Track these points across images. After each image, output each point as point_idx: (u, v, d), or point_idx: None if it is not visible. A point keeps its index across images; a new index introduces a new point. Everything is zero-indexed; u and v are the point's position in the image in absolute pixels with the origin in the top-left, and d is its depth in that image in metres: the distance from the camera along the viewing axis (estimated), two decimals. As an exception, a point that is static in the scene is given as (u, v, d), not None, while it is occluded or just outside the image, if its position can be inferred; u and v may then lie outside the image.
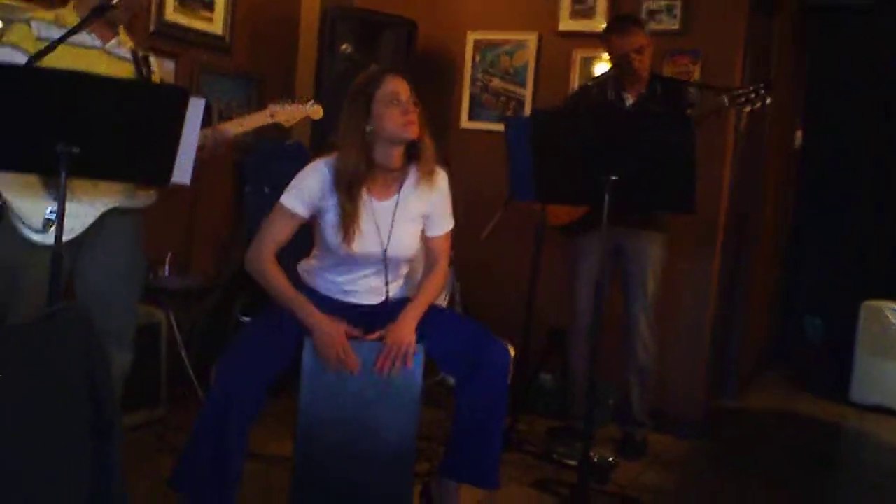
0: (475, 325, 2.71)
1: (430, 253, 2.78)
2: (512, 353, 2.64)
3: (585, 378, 3.53)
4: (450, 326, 2.68)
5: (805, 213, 6.39)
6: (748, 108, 3.40)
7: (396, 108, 2.52)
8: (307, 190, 2.56)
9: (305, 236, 2.72)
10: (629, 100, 3.61)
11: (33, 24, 2.52)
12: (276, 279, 2.56)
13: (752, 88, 3.35)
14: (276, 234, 2.59)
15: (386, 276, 2.67)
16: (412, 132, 2.53)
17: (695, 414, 4.20)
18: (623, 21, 3.64)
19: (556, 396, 4.10)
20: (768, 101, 3.35)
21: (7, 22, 2.93)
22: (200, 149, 2.61)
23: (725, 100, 3.36)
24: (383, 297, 2.70)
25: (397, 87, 2.54)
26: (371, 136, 2.54)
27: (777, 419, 4.87)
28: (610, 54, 3.63)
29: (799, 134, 6.15)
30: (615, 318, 3.68)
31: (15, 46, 2.48)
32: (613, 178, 2.77)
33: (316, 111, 2.91)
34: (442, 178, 2.70)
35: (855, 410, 5.02)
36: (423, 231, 2.74)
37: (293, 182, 2.60)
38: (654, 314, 3.67)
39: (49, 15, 2.59)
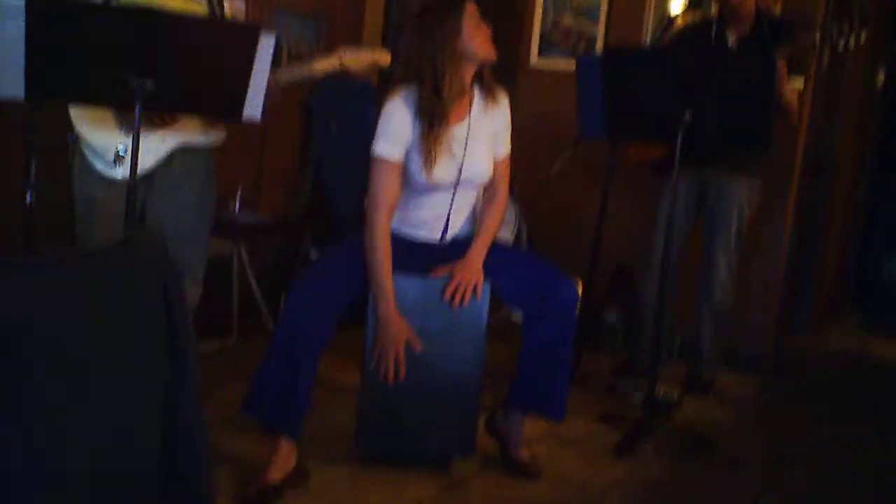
0: (542, 261, 2.71)
1: (490, 179, 2.74)
2: (580, 288, 2.63)
3: (654, 315, 3.51)
4: (517, 264, 2.68)
5: (885, 154, 6.19)
6: (840, 47, 3.24)
7: (483, 31, 2.52)
8: (396, 132, 2.54)
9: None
10: (732, 40, 3.49)
11: None
12: (381, 257, 2.52)
13: (843, 25, 3.20)
14: (386, 191, 2.55)
15: (452, 202, 2.66)
16: (494, 53, 2.54)
17: (765, 351, 4.16)
18: None
19: (622, 334, 4.10)
20: (863, 36, 3.19)
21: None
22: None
23: (817, 36, 3.22)
24: (443, 228, 2.69)
25: (476, 11, 2.54)
26: (451, 59, 2.50)
27: (849, 359, 4.78)
28: None
29: (881, 74, 5.91)
30: (693, 257, 3.64)
31: None
32: (686, 117, 2.72)
33: (384, 58, 2.90)
34: (504, 97, 2.70)
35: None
36: None
37: (379, 129, 2.56)
38: (736, 258, 3.60)
39: None
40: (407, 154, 2.57)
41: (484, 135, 2.65)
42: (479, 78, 2.62)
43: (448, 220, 2.69)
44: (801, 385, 4.13)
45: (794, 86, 3.34)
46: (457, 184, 2.62)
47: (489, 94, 2.64)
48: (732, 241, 3.57)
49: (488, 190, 2.76)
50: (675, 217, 3.00)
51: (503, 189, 2.76)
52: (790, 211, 4.16)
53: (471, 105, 2.63)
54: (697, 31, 3.62)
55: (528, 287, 2.60)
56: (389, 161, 2.54)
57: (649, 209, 3.66)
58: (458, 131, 2.60)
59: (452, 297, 2.55)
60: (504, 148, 2.74)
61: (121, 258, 1.49)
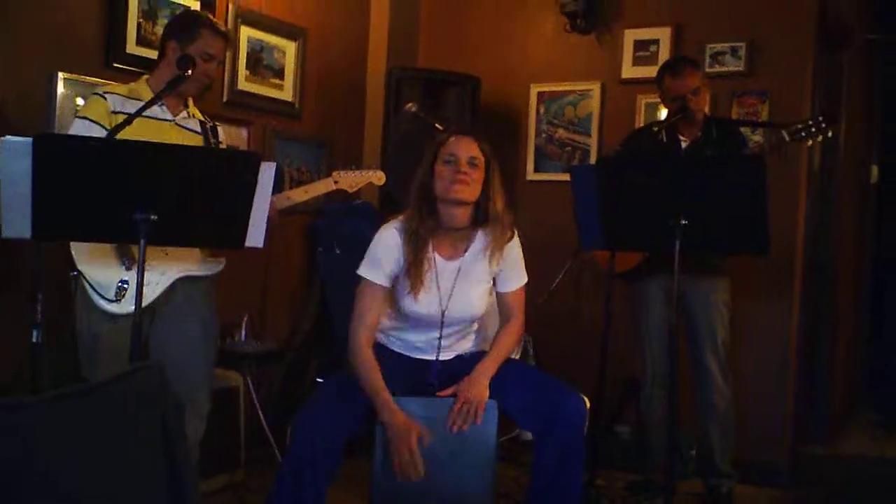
0: (549, 377, 2.69)
1: (504, 308, 2.77)
2: (587, 404, 2.60)
3: (663, 429, 3.45)
4: (524, 380, 2.65)
5: (886, 249, 6.22)
6: (809, 142, 3.33)
7: (449, 168, 2.54)
8: (383, 257, 2.58)
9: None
10: (684, 143, 3.57)
11: (108, 97, 2.64)
12: (368, 369, 2.51)
13: (811, 121, 3.28)
14: (367, 311, 2.58)
15: (440, 335, 2.66)
16: (459, 193, 2.52)
17: (782, 462, 4.07)
18: (677, 63, 3.62)
19: (634, 449, 4.01)
20: (830, 133, 3.28)
21: (84, 97, 3.08)
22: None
23: (785, 135, 3.30)
24: (449, 356, 2.70)
25: (457, 148, 2.56)
26: (434, 196, 2.57)
27: (869, 465, 4.66)
28: (664, 97, 3.61)
29: (875, 169, 6.00)
30: (684, 367, 3.60)
31: (92, 121, 2.60)
32: (683, 221, 2.74)
33: (378, 177, 2.97)
34: (514, 241, 2.69)
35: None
36: (495, 288, 2.74)
37: (368, 253, 2.61)
38: (726, 359, 3.57)
39: (123, 89, 2.72)
40: (397, 279, 2.60)
41: (478, 276, 2.66)
42: (484, 219, 2.61)
43: (439, 345, 2.68)
44: (820, 495, 4.03)
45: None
46: (442, 319, 2.62)
47: (493, 238, 2.63)
48: (721, 347, 3.55)
49: (503, 316, 2.76)
50: (673, 322, 2.98)
51: (518, 317, 2.76)
52: (796, 311, 4.15)
53: (469, 244, 2.65)
54: (642, 138, 3.69)
55: (535, 405, 2.56)
56: (372, 283, 2.57)
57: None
58: (448, 267, 2.62)
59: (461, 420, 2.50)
60: (516, 282, 2.74)
61: (119, 391, 1.49)
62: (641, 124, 4.42)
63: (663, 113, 4.36)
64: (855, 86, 5.06)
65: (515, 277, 2.74)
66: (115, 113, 2.59)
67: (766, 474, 3.95)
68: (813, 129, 3.27)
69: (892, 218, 6.20)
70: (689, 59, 3.70)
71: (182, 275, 2.68)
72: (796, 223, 4.11)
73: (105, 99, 2.64)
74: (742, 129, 3.78)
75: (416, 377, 2.58)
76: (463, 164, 2.53)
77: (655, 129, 3.61)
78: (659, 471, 3.44)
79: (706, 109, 3.58)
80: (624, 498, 3.58)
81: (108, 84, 2.90)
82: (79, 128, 2.61)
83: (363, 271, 2.59)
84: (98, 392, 1.47)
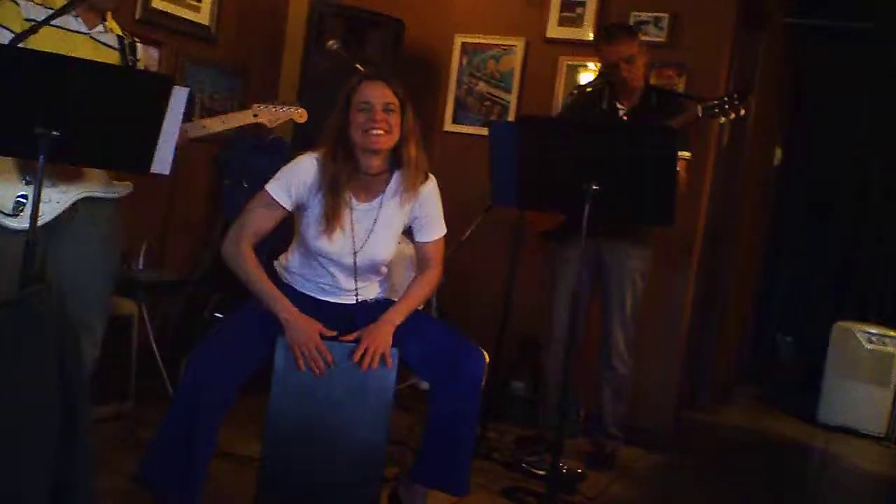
0: (451, 329, 2.69)
1: (422, 258, 2.76)
2: (486, 358, 2.63)
3: (558, 388, 3.52)
4: (425, 330, 2.65)
5: (781, 231, 6.45)
6: (722, 119, 3.40)
7: (363, 116, 2.50)
8: (295, 181, 2.54)
9: (285, 234, 2.70)
10: (622, 110, 3.60)
11: (21, 3, 2.49)
12: (252, 270, 2.51)
13: (725, 98, 3.35)
14: (258, 222, 2.55)
15: (355, 279, 2.65)
16: (375, 142, 2.50)
17: (665, 427, 4.22)
18: (613, 29, 3.62)
19: (527, 405, 4.10)
20: (742, 112, 3.35)
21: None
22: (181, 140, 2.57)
23: (699, 109, 3.36)
24: (354, 299, 2.68)
25: (370, 94, 2.51)
26: (351, 142, 2.52)
27: (746, 436, 4.90)
28: (601, 63, 3.63)
29: (779, 151, 6.21)
30: (592, 328, 3.68)
31: (2, 26, 2.45)
32: (594, 187, 2.77)
33: (301, 114, 2.89)
34: (428, 186, 2.67)
35: (822, 431, 5.07)
36: (413, 236, 2.73)
37: (281, 171, 2.57)
38: (633, 328, 3.65)
39: None
40: (305, 212, 2.57)
41: (391, 220, 2.64)
42: (398, 162, 2.59)
43: (356, 290, 2.67)
44: (699, 460, 4.21)
45: (683, 156, 3.47)
46: (355, 261, 2.60)
47: (407, 181, 2.60)
48: (629, 313, 3.62)
49: (420, 265, 2.75)
50: (580, 286, 3.05)
51: (435, 268, 2.75)
52: (691, 283, 4.28)
53: (384, 188, 2.62)
54: (588, 101, 3.70)
55: (435, 355, 2.57)
56: (275, 200, 2.54)
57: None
58: (363, 210, 2.60)
59: (362, 359, 2.49)
60: (434, 230, 2.73)
61: (15, 313, 1.43)
62: (562, 85, 4.45)
63: (584, 76, 4.41)
64: (769, 68, 5.20)
65: (434, 227, 2.73)
66: (28, 21, 2.44)
67: (650, 438, 4.09)
68: (726, 107, 3.33)
69: (790, 200, 6.42)
70: (625, 27, 3.71)
71: (84, 195, 2.57)
72: (700, 197, 4.22)
73: (17, 4, 2.48)
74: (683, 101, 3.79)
75: (320, 320, 2.55)
76: (378, 112, 2.49)
77: (589, 89, 3.62)
78: (550, 427, 3.52)
79: (640, 78, 3.56)
80: (513, 452, 3.65)
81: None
82: None
83: (270, 186, 2.55)
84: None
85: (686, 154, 3.49)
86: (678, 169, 3.41)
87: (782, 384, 5.93)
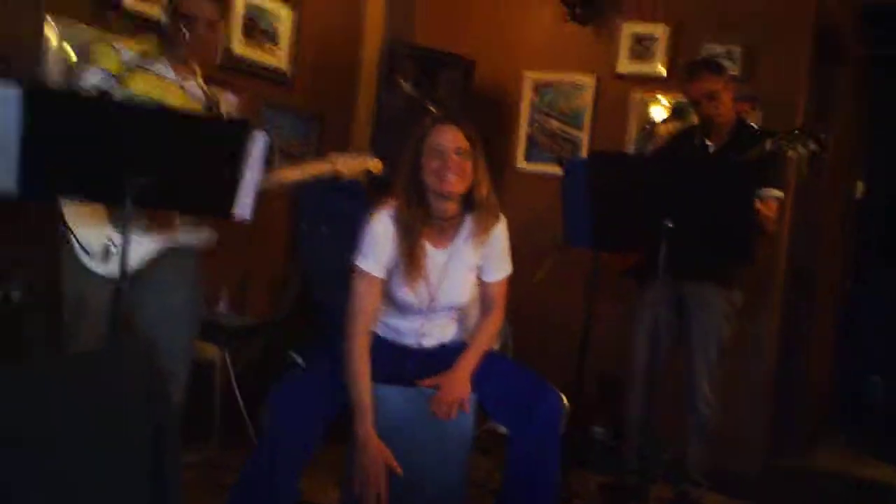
0: (529, 372, 2.66)
1: (486, 298, 2.74)
2: (565, 403, 2.60)
3: (640, 431, 3.44)
4: (503, 374, 2.63)
5: (866, 266, 6.25)
6: (791, 153, 3.29)
7: (437, 161, 2.49)
8: (379, 249, 2.53)
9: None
10: (711, 147, 3.53)
11: (120, 49, 2.60)
12: (358, 373, 2.46)
13: (795, 132, 3.25)
14: (365, 304, 2.53)
15: (432, 323, 2.65)
16: (448, 185, 2.48)
17: (752, 473, 4.08)
18: (694, 66, 3.57)
19: (609, 451, 4.00)
20: (812, 146, 3.25)
21: (74, 44, 3.03)
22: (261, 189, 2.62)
23: (769, 143, 3.28)
24: (434, 343, 2.68)
25: (443, 139, 2.50)
26: (423, 187, 2.53)
27: (836, 482, 4.70)
28: (687, 100, 3.58)
29: (860, 185, 6.04)
30: (676, 370, 3.59)
31: (102, 69, 2.55)
32: (669, 224, 2.74)
33: (376, 165, 2.94)
34: (499, 226, 2.66)
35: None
36: (479, 277, 2.71)
37: (364, 244, 2.55)
38: (717, 368, 3.54)
39: (131, 43, 2.67)
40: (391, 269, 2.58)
41: (466, 263, 2.63)
42: (470, 205, 2.59)
43: (427, 331, 2.67)
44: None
45: (772, 194, 3.39)
46: (429, 307, 2.61)
47: (479, 224, 2.60)
48: (713, 355, 3.51)
49: (483, 306, 2.74)
50: (658, 327, 2.99)
51: (499, 309, 2.73)
52: (775, 322, 4.16)
53: (457, 231, 2.62)
54: (681, 140, 3.69)
55: (513, 400, 2.55)
56: (369, 275, 2.53)
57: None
58: (438, 255, 2.60)
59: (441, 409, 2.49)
60: (500, 269, 2.71)
61: (106, 364, 1.47)
62: (634, 120, 4.43)
63: (655, 111, 4.39)
64: (847, 100, 5.09)
65: (500, 267, 2.71)
66: (123, 63, 2.55)
67: (736, 484, 3.95)
68: (797, 141, 3.24)
69: (874, 235, 6.23)
70: (708, 62, 3.64)
71: (171, 243, 2.64)
72: (781, 233, 4.13)
73: (114, 48, 2.59)
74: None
75: (397, 363, 2.56)
76: (451, 156, 2.49)
77: (681, 130, 3.61)
78: (632, 474, 3.44)
79: (726, 114, 3.48)
80: (595, 499, 3.57)
81: (119, 38, 2.85)
82: (91, 78, 2.54)
83: (361, 262, 2.53)
84: (85, 362, 1.45)
85: (777, 192, 3.39)
86: (768, 209, 3.35)
87: (873, 427, 5.71)
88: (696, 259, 3.35)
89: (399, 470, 2.43)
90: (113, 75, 2.50)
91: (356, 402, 2.45)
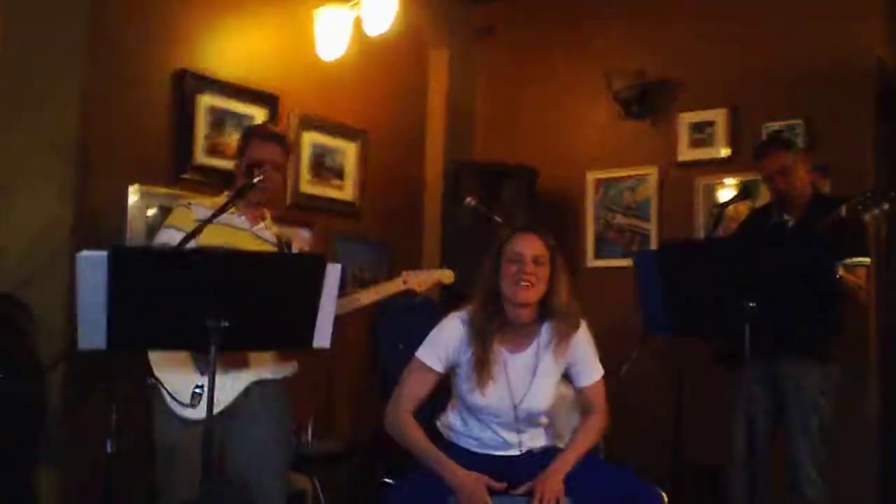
0: (624, 471, 2.62)
1: (585, 402, 2.74)
2: (665, 499, 2.52)
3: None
4: (598, 475, 2.59)
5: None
6: (867, 215, 3.23)
7: (514, 267, 2.54)
8: (443, 344, 2.60)
9: (444, 390, 2.74)
10: (790, 221, 3.50)
11: (194, 207, 2.75)
12: (415, 438, 2.55)
13: (867, 195, 3.19)
14: (414, 390, 2.61)
15: (517, 431, 2.64)
16: (523, 296, 2.53)
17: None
18: (763, 143, 3.61)
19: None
20: (886, 206, 3.19)
21: (163, 210, 3.21)
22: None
23: (843, 209, 3.23)
24: (518, 451, 2.66)
25: (522, 247, 2.57)
26: (500, 292, 2.58)
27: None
28: (762, 178, 3.58)
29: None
30: (779, 453, 3.47)
31: (177, 228, 2.70)
32: (751, 304, 2.69)
33: (448, 276, 3.00)
34: (581, 331, 2.68)
35: None
36: (572, 383, 2.72)
37: (429, 336, 2.64)
38: (824, 451, 3.39)
39: (207, 201, 2.83)
40: (456, 372, 2.61)
41: (547, 370, 2.65)
42: (549, 312, 2.62)
43: (520, 440, 2.65)
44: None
45: (859, 262, 3.31)
46: (516, 414, 2.60)
47: (559, 331, 2.63)
48: (815, 435, 3.37)
49: (583, 410, 2.74)
50: (753, 414, 2.91)
51: (600, 412, 2.73)
52: (873, 390, 4.00)
53: (536, 338, 2.65)
54: (758, 217, 3.66)
55: (612, 499, 2.50)
56: (426, 365, 2.58)
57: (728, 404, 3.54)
58: (518, 360, 2.62)
59: None
60: (592, 373, 2.72)
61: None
62: (701, 206, 4.41)
63: (722, 193, 4.37)
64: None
65: (591, 370, 2.72)
66: (199, 221, 2.69)
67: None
68: (869, 202, 3.19)
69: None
70: (777, 139, 3.68)
71: (255, 378, 2.71)
72: (868, 299, 3.99)
73: (190, 208, 2.74)
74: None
75: (486, 474, 2.53)
76: (528, 264, 2.54)
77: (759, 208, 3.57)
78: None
79: (800, 187, 3.45)
80: None
81: (181, 196, 3.02)
82: (162, 235, 2.71)
83: (420, 353, 2.61)
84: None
85: (863, 259, 3.34)
86: (859, 276, 3.29)
87: None
88: (786, 336, 3.26)
89: (501, 486, 2.46)
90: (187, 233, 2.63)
91: (429, 457, 2.50)
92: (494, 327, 2.57)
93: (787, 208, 3.50)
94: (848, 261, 3.22)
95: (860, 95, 4.13)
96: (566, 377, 2.75)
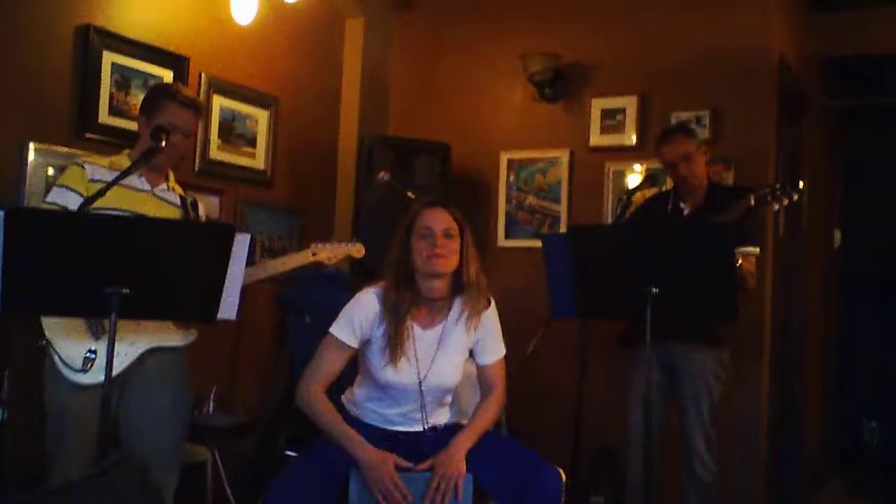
0: (524, 450, 2.66)
1: (484, 380, 2.76)
2: (563, 478, 2.58)
3: (640, 499, 3.41)
4: (498, 452, 2.62)
5: (852, 314, 6.28)
6: (775, 206, 3.36)
7: (425, 242, 2.56)
8: (358, 319, 2.58)
9: (351, 367, 2.73)
10: (686, 209, 3.60)
11: (87, 166, 2.65)
12: (325, 413, 2.54)
13: (777, 186, 3.32)
14: (326, 366, 2.59)
15: (423, 407, 2.65)
16: (437, 266, 2.55)
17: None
18: (669, 130, 3.69)
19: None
20: (795, 197, 3.32)
21: (59, 169, 3.08)
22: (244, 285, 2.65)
23: (751, 199, 3.35)
24: (423, 427, 2.67)
25: (431, 221, 2.58)
26: (412, 268, 2.58)
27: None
28: (662, 164, 3.65)
29: (837, 234, 6.12)
30: (673, 433, 3.59)
31: (68, 188, 2.60)
32: (654, 289, 2.77)
33: (358, 250, 2.98)
34: (490, 310, 2.71)
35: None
36: (475, 360, 2.74)
37: (343, 311, 2.61)
38: (714, 432, 3.52)
39: (104, 160, 2.72)
40: (369, 346, 2.60)
41: (456, 346, 2.67)
42: (459, 287, 2.63)
43: (424, 417, 2.66)
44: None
45: (751, 251, 3.44)
46: (421, 390, 2.62)
47: (469, 306, 2.64)
48: (706, 416, 3.50)
49: (483, 388, 2.76)
50: (649, 391, 3.00)
51: (499, 390, 2.75)
52: (765, 377, 4.16)
53: (447, 314, 2.66)
54: (655, 204, 3.74)
55: (510, 478, 2.54)
56: (341, 341, 2.57)
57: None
58: (426, 336, 2.63)
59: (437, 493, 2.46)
60: (495, 351, 2.75)
61: (99, 487, 1.46)
62: (610, 191, 4.49)
63: (630, 179, 4.46)
64: (816, 152, 5.19)
65: (494, 349, 2.75)
66: (93, 181, 2.59)
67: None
68: (778, 193, 3.31)
69: (855, 281, 6.28)
70: (682, 127, 3.77)
71: (152, 346, 2.64)
72: (764, 288, 4.16)
73: (83, 168, 2.64)
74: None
75: (390, 450, 2.54)
76: (439, 237, 2.55)
77: (640, 193, 3.65)
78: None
79: (700, 176, 3.56)
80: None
81: (83, 155, 2.90)
82: (55, 195, 2.60)
83: (335, 329, 2.59)
84: (78, 489, 1.43)
85: (754, 249, 3.45)
86: (748, 265, 3.40)
87: (871, 472, 5.66)
88: (683, 321, 3.37)
89: (408, 464, 2.49)
90: (82, 195, 2.53)
91: (338, 433, 2.51)
92: (407, 303, 2.57)
93: (684, 196, 3.60)
94: (741, 249, 3.32)
95: (764, 91, 4.26)
96: (470, 354, 2.77)
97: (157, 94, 2.78)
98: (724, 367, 3.55)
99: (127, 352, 2.59)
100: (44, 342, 2.51)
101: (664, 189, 3.89)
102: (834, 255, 6.08)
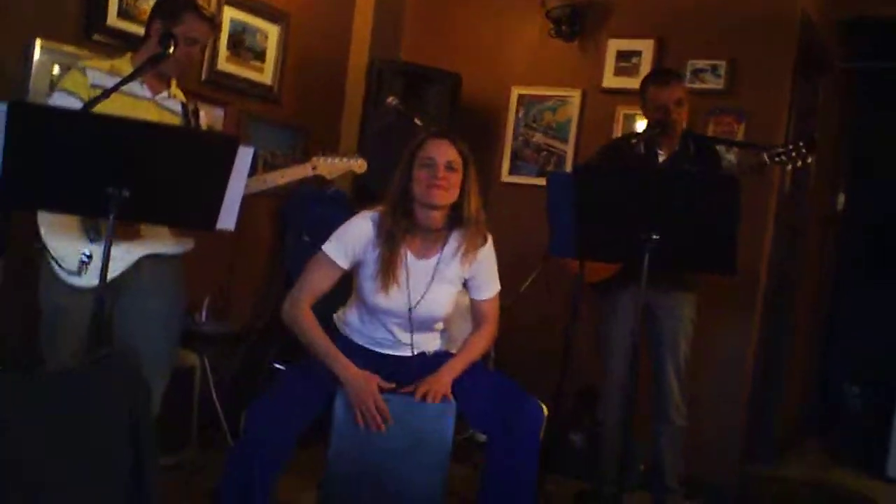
0: (508, 381, 2.69)
1: (478, 315, 2.79)
2: (545, 411, 2.61)
3: (616, 440, 3.45)
4: (483, 382, 2.66)
5: (846, 278, 6.29)
6: (789, 167, 3.34)
7: (426, 172, 2.55)
8: (351, 241, 2.59)
9: (345, 286, 2.74)
10: (662, 156, 3.55)
11: (88, 71, 2.61)
12: (311, 329, 2.56)
13: (792, 146, 3.29)
14: (315, 283, 2.60)
15: (412, 333, 2.67)
16: (436, 197, 2.54)
17: (728, 481, 4.10)
18: (663, 73, 3.63)
19: (586, 458, 4.01)
20: (809, 160, 3.28)
21: (65, 68, 3.03)
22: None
23: (766, 157, 3.31)
24: (411, 352, 2.70)
25: (435, 152, 2.56)
26: (411, 196, 2.57)
27: (811, 490, 4.72)
28: (646, 107, 3.55)
29: (842, 197, 6.09)
30: (646, 378, 3.62)
31: (69, 92, 2.57)
32: (655, 236, 2.75)
33: (360, 165, 2.95)
34: (487, 246, 2.71)
35: (890, 485, 4.84)
36: (469, 294, 2.76)
37: (337, 231, 2.62)
38: (686, 375, 3.56)
39: (105, 64, 2.68)
40: (362, 269, 2.61)
41: (450, 278, 2.68)
42: (458, 221, 2.63)
43: (412, 343, 2.69)
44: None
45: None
46: (410, 317, 2.63)
47: (467, 239, 2.65)
48: (682, 361, 3.53)
49: (476, 321, 2.78)
50: (637, 335, 3.01)
51: (491, 325, 2.78)
52: (754, 330, 4.19)
53: (443, 245, 2.66)
54: (623, 145, 3.64)
55: (492, 408, 2.57)
56: (331, 260, 2.58)
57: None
58: (421, 266, 2.63)
59: (423, 401, 2.51)
60: (490, 287, 2.77)
61: (88, 381, 1.48)
62: (619, 135, 4.44)
63: (640, 125, 4.41)
64: (828, 113, 5.13)
65: (489, 285, 2.76)
66: (94, 87, 2.57)
67: (711, 492, 3.98)
68: (793, 154, 3.27)
69: (854, 246, 6.28)
70: (674, 72, 3.71)
71: (148, 252, 2.65)
72: (763, 243, 4.16)
73: (84, 73, 2.61)
74: (717, 147, 3.78)
75: (377, 372, 2.58)
76: (441, 169, 2.54)
77: (633, 140, 3.57)
78: (608, 481, 3.44)
79: (684, 124, 3.57)
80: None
81: (90, 57, 2.86)
82: (56, 99, 2.58)
83: (327, 247, 2.60)
84: (71, 377, 1.45)
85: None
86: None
87: (849, 436, 5.73)
88: (680, 268, 3.37)
89: (391, 385, 2.52)
90: (83, 100, 2.51)
91: (323, 352, 2.53)
92: (403, 230, 2.58)
93: (661, 143, 3.54)
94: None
95: (783, 46, 4.19)
96: (464, 286, 2.78)
97: (176, 4, 2.73)
98: (697, 311, 3.57)
99: (122, 257, 2.60)
100: (39, 245, 2.51)
101: (631, 132, 3.81)
102: (837, 217, 6.07)
